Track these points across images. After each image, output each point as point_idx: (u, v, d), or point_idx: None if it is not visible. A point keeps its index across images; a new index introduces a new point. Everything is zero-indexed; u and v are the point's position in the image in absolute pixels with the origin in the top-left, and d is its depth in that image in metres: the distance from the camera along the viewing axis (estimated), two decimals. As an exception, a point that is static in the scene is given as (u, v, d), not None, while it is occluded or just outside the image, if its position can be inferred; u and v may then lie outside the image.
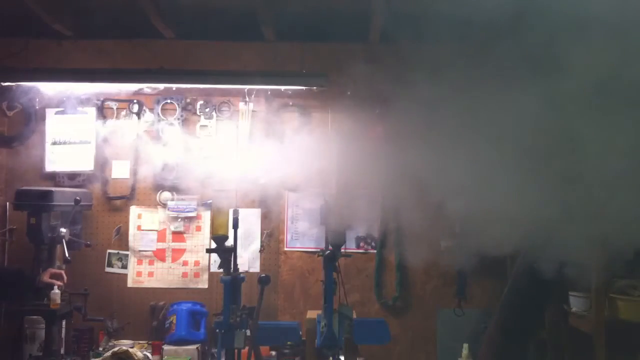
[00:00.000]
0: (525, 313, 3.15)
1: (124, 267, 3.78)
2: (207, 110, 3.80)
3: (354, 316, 3.05)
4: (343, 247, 3.06)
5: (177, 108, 3.78)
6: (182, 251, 3.79)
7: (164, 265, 3.78)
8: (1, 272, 3.35)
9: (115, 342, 3.50)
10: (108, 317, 3.61)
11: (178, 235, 3.79)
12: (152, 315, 3.67)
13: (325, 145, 3.78)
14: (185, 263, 3.78)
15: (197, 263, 3.78)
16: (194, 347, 3.46)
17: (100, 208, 3.79)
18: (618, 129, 2.29)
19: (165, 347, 3.46)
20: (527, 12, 2.74)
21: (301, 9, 3.44)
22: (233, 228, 2.91)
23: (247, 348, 2.75)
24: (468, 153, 2.79)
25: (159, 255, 3.79)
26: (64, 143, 3.76)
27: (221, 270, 2.89)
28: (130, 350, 3.17)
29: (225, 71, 3.56)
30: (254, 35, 3.63)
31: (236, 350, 2.76)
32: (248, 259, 3.76)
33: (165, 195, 3.79)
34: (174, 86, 3.64)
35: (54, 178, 3.75)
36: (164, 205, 3.77)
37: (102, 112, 3.80)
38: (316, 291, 3.71)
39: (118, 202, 3.80)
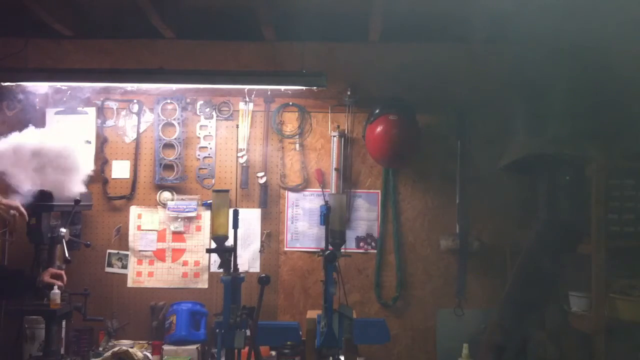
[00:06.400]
0: (526, 312, 3.15)
1: (124, 267, 3.78)
2: (207, 110, 3.80)
3: (354, 316, 3.05)
4: (343, 247, 3.07)
5: (177, 108, 3.78)
6: (182, 251, 3.79)
7: (164, 265, 3.78)
8: (1, 272, 3.35)
9: (115, 342, 3.51)
10: (108, 317, 3.61)
11: (178, 235, 3.79)
12: (152, 315, 3.67)
13: (325, 145, 3.80)
14: (185, 263, 3.78)
15: (197, 263, 3.78)
16: (194, 347, 3.46)
17: (100, 208, 3.79)
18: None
19: (165, 347, 3.46)
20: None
21: (301, 9, 3.44)
22: (233, 228, 2.90)
23: (247, 348, 2.74)
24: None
25: (159, 255, 3.79)
26: (64, 143, 3.76)
27: (221, 270, 2.89)
28: (130, 350, 3.17)
29: (225, 71, 3.55)
30: (254, 35, 3.63)
31: (236, 350, 2.76)
32: (248, 259, 3.75)
33: (165, 195, 3.79)
34: (174, 86, 3.64)
35: (54, 178, 3.75)
36: (164, 205, 3.77)
37: (102, 112, 3.80)
38: (316, 291, 3.72)
39: (118, 202, 3.80)
